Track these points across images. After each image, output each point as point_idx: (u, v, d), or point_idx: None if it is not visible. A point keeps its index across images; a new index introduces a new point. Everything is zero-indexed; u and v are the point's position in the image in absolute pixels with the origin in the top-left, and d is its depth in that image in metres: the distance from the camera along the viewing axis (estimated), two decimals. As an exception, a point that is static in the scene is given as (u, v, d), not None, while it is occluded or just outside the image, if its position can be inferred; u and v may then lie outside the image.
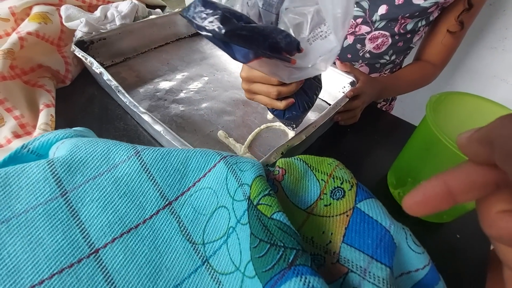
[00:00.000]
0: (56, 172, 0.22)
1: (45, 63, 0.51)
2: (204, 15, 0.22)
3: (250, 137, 0.48)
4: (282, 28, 0.28)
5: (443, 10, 0.54)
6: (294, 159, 0.26)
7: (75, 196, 0.22)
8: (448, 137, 0.30)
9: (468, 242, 0.40)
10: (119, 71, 0.60)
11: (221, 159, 0.25)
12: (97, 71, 0.47)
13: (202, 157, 0.25)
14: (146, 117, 0.40)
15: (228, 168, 0.24)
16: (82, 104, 0.53)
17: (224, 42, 0.23)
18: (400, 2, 0.52)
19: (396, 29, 0.56)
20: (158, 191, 0.24)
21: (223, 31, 0.22)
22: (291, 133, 0.49)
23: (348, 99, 0.47)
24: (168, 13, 0.69)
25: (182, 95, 0.55)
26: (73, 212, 0.22)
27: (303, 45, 0.28)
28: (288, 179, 0.24)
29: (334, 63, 0.53)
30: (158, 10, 0.77)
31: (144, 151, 0.24)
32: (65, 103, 0.51)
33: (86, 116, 0.50)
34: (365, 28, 0.58)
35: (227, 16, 0.22)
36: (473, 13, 0.52)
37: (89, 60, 0.49)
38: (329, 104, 0.58)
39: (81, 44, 0.54)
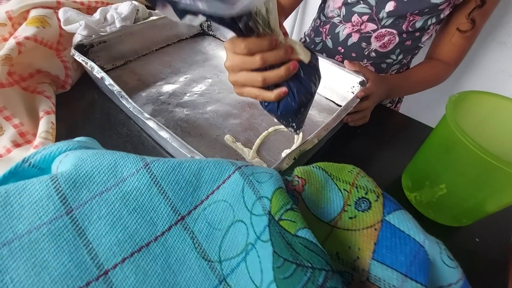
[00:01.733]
0: (60, 189, 0.21)
1: (44, 68, 0.50)
2: None
3: (258, 141, 0.46)
4: None
5: (455, 7, 0.53)
6: (313, 167, 0.24)
7: (81, 213, 0.21)
8: (471, 139, 0.29)
9: (487, 245, 0.39)
10: (120, 74, 0.58)
11: (235, 170, 0.23)
12: (98, 76, 0.45)
13: (215, 167, 0.23)
14: (151, 124, 0.38)
15: (245, 180, 0.22)
16: (83, 109, 0.51)
17: None
18: (409, -2, 0.50)
19: (404, 27, 0.54)
20: (169, 206, 0.22)
21: None
22: (300, 135, 0.48)
23: (359, 100, 0.45)
24: (168, 14, 0.67)
25: (186, 98, 0.54)
26: (79, 231, 0.20)
27: None
28: (308, 190, 0.22)
29: (342, 62, 0.52)
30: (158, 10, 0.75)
31: (154, 163, 0.23)
32: (65, 109, 0.49)
33: (87, 123, 0.48)
34: (371, 26, 0.56)
35: None
36: (487, 11, 0.50)
37: (89, 64, 0.47)
38: (337, 104, 0.56)
39: (80, 48, 0.52)
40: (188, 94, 0.55)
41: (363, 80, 0.50)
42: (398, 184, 0.43)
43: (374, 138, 0.51)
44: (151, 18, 0.64)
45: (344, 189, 0.23)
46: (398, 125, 0.57)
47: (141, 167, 0.23)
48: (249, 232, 0.21)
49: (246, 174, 0.23)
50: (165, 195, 0.22)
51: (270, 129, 0.48)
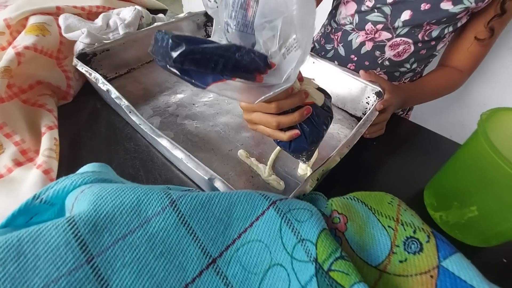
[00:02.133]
0: (79, 234, 0.18)
1: (45, 79, 0.47)
2: (157, 47, 0.21)
3: (272, 156, 0.44)
4: (259, 46, 0.25)
5: (472, 16, 0.51)
6: (351, 199, 0.23)
7: (103, 261, 0.18)
8: (510, 162, 0.27)
9: (515, 266, 0.38)
10: (124, 84, 0.55)
11: (270, 205, 0.21)
12: (104, 88, 0.43)
13: (247, 202, 0.21)
14: (164, 142, 0.36)
15: (282, 218, 0.20)
16: (87, 122, 0.48)
17: (180, 69, 0.21)
18: (426, 8, 0.48)
19: (419, 36, 0.52)
20: (199, 247, 0.20)
21: (172, 58, 0.20)
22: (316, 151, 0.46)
23: (377, 113, 0.44)
24: (173, 20, 0.65)
25: (194, 109, 0.51)
26: (102, 282, 0.18)
27: (276, 60, 0.25)
28: (351, 229, 0.21)
29: (358, 71, 0.50)
30: (160, 15, 0.72)
31: (181, 199, 0.21)
32: (68, 122, 0.46)
33: (92, 138, 0.45)
34: (385, 35, 0.55)
35: (176, 42, 0.20)
36: (505, 19, 0.49)
37: (93, 75, 0.44)
38: (351, 115, 0.54)
39: (83, 57, 0.50)
40: (196, 105, 0.52)
41: (380, 90, 0.48)
42: (419, 199, 0.42)
43: (392, 151, 0.50)
44: (155, 24, 0.61)
45: (389, 226, 0.21)
46: (411, 135, 0.55)
47: (167, 205, 0.20)
48: (290, 278, 0.19)
49: (283, 211, 0.21)
50: (194, 236, 0.20)
51: (285, 143, 0.46)
